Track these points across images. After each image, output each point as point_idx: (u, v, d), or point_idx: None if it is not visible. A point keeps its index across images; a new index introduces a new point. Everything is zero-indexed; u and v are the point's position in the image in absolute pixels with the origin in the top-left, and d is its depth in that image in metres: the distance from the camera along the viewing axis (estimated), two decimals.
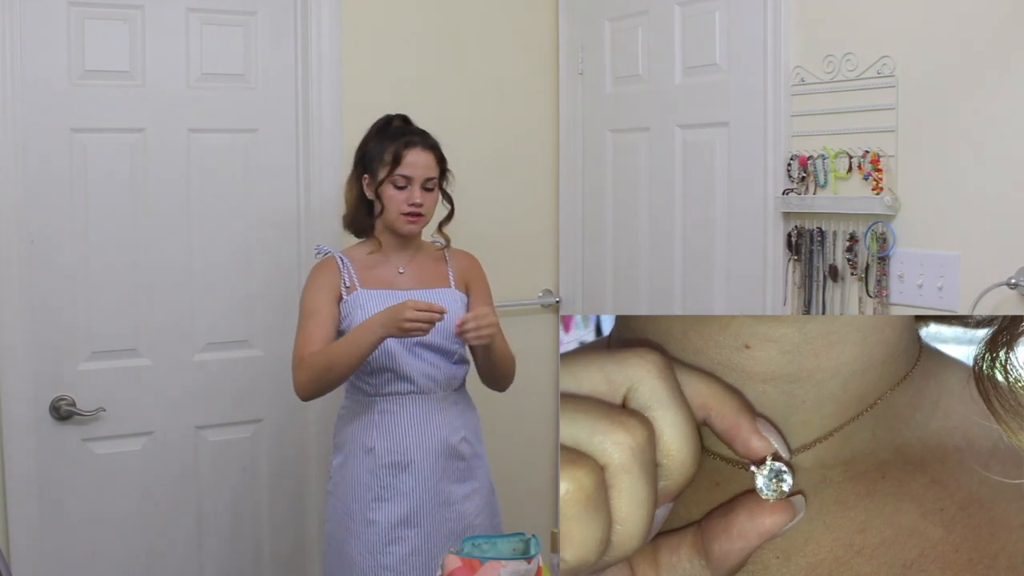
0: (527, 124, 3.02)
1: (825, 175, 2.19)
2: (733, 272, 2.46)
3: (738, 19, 2.40)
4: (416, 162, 2.24)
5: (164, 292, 2.60)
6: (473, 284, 2.38)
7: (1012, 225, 1.85)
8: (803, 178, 2.25)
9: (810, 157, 2.22)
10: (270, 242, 2.73)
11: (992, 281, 1.85)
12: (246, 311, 2.71)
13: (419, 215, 2.26)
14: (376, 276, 2.28)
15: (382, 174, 2.25)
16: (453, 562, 1.62)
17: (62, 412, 2.49)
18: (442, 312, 2.04)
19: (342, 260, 2.29)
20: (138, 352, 2.59)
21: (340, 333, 2.24)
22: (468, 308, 2.31)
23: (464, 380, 2.33)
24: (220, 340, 2.68)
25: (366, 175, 2.29)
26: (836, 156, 2.16)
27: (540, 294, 3.07)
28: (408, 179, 2.23)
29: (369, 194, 2.29)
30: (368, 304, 2.21)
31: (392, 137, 2.28)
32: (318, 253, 2.35)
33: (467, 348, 2.29)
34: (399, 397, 2.22)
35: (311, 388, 2.18)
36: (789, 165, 2.28)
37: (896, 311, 2.07)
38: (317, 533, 2.77)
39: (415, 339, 2.17)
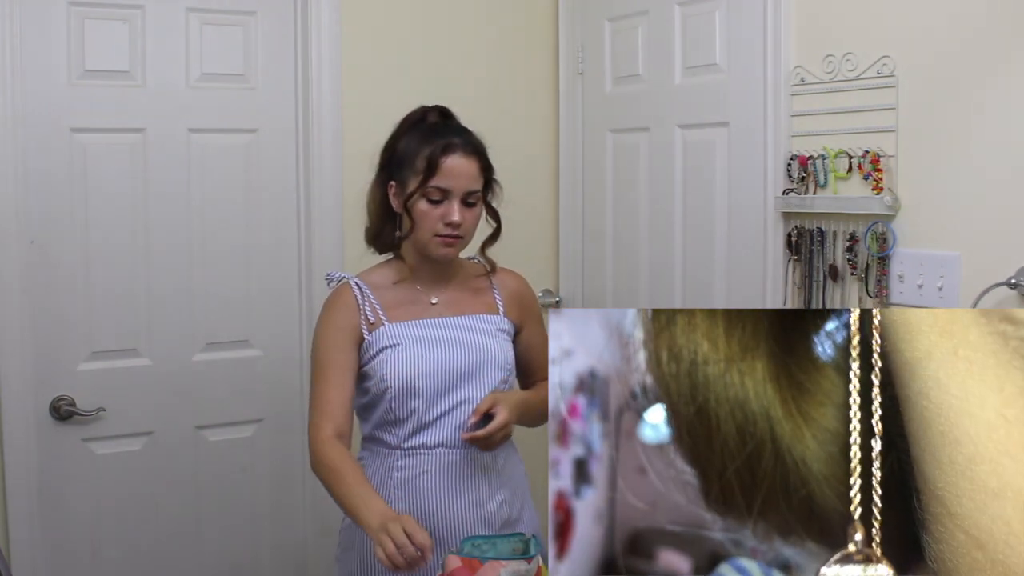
0: (527, 124, 3.01)
1: (825, 175, 2.19)
2: (733, 272, 2.46)
3: (738, 19, 2.40)
4: (456, 171, 1.81)
5: (164, 292, 2.60)
6: (527, 313, 2.00)
7: (1012, 225, 1.85)
8: (803, 178, 2.25)
9: (810, 157, 2.22)
10: (270, 242, 2.72)
11: (992, 281, 1.84)
12: (246, 311, 2.71)
13: (457, 237, 1.84)
14: (404, 309, 1.88)
15: (412, 184, 1.81)
16: (453, 562, 1.62)
17: (62, 412, 2.49)
18: (423, 549, 1.57)
19: (360, 289, 1.88)
20: (138, 352, 2.59)
21: (362, 377, 1.87)
22: (519, 341, 1.99)
23: None
24: (220, 340, 2.68)
25: (392, 182, 1.86)
26: (836, 156, 2.16)
27: (540, 294, 3.06)
28: (445, 193, 1.81)
29: (396, 206, 1.86)
30: (404, 338, 1.84)
31: (426, 137, 1.84)
32: (330, 282, 1.92)
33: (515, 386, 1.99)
34: (424, 453, 1.85)
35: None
36: (789, 165, 2.28)
37: None
38: (316, 533, 2.77)
39: (442, 385, 1.84)
